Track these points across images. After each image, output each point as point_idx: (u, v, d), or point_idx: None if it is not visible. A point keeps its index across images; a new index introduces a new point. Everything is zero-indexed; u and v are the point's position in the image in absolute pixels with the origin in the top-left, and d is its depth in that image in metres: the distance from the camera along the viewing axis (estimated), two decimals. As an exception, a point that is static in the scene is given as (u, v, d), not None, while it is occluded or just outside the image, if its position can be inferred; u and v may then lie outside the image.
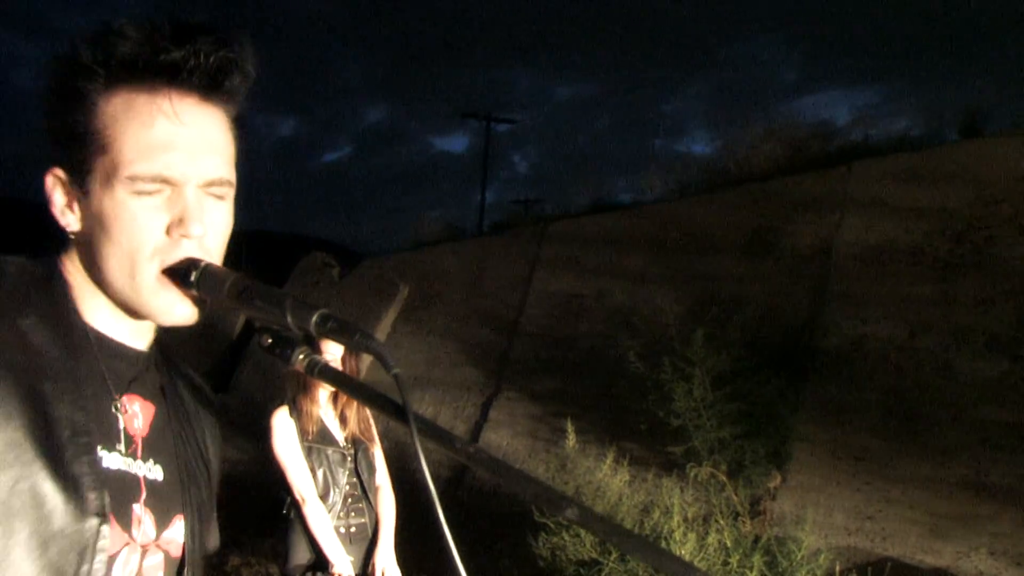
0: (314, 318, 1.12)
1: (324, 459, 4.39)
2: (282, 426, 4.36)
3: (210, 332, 11.73)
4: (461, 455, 1.13)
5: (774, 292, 7.26)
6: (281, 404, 4.41)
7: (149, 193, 1.15)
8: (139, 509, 1.21)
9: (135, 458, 1.22)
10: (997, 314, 6.00)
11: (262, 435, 4.45)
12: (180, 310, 1.20)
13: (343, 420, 4.49)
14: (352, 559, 4.34)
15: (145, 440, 1.25)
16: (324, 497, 4.34)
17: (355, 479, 4.47)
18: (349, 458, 4.47)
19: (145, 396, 1.28)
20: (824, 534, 6.10)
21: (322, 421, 4.43)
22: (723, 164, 9.06)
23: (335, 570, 4.21)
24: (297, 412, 4.37)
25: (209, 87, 1.19)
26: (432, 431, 1.14)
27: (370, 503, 4.50)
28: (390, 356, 1.13)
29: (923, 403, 6.15)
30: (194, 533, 1.30)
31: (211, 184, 1.20)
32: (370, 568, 4.41)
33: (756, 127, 9.21)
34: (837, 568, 5.75)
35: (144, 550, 1.22)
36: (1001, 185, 6.35)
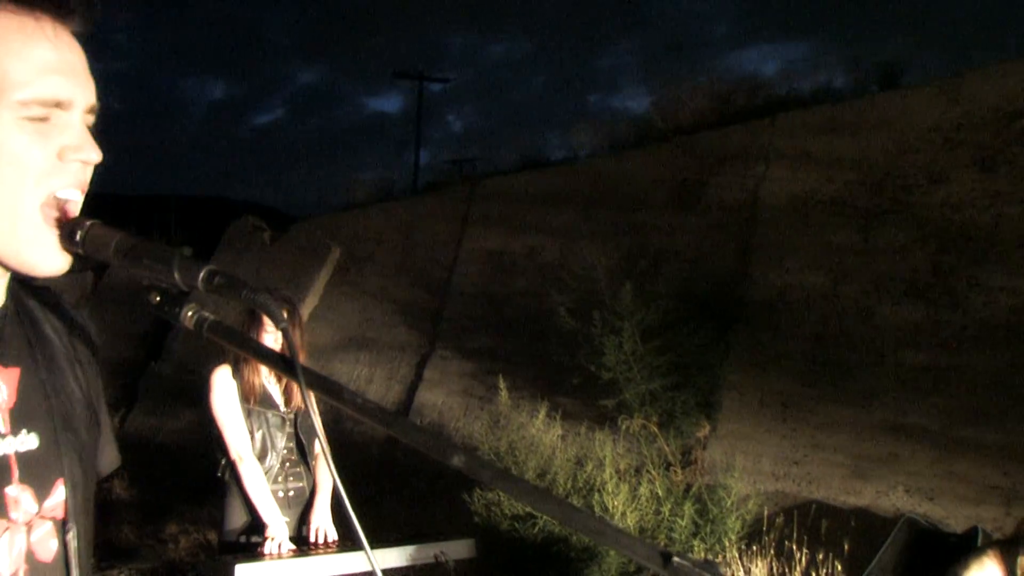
0: (201, 274, 1.12)
1: (263, 422, 4.37)
2: (222, 384, 4.33)
3: (141, 298, 11.53)
4: (349, 407, 1.14)
5: (701, 244, 7.36)
6: (223, 362, 4.37)
7: (41, 119, 1.12)
8: (14, 490, 1.16)
9: (3, 436, 1.17)
10: (914, 261, 6.14)
11: (201, 393, 4.42)
12: (54, 260, 1.16)
13: (284, 385, 4.47)
14: (288, 521, 4.35)
15: (13, 411, 1.19)
16: (261, 459, 4.32)
17: (294, 444, 4.46)
18: (288, 423, 4.46)
19: (6, 362, 1.21)
20: (753, 480, 6.24)
21: (263, 385, 4.40)
22: (652, 119, 9.10)
23: (269, 533, 4.21)
24: (239, 375, 4.34)
25: (85, 14, 1.17)
26: (321, 384, 1.14)
27: (308, 468, 4.50)
28: (278, 311, 1.13)
29: (846, 349, 6.29)
30: (75, 487, 1.25)
31: (92, 110, 1.18)
32: (306, 529, 4.42)
33: (685, 82, 9.26)
34: (765, 512, 5.90)
35: (29, 526, 1.18)
36: (917, 136, 6.48)
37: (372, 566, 1.21)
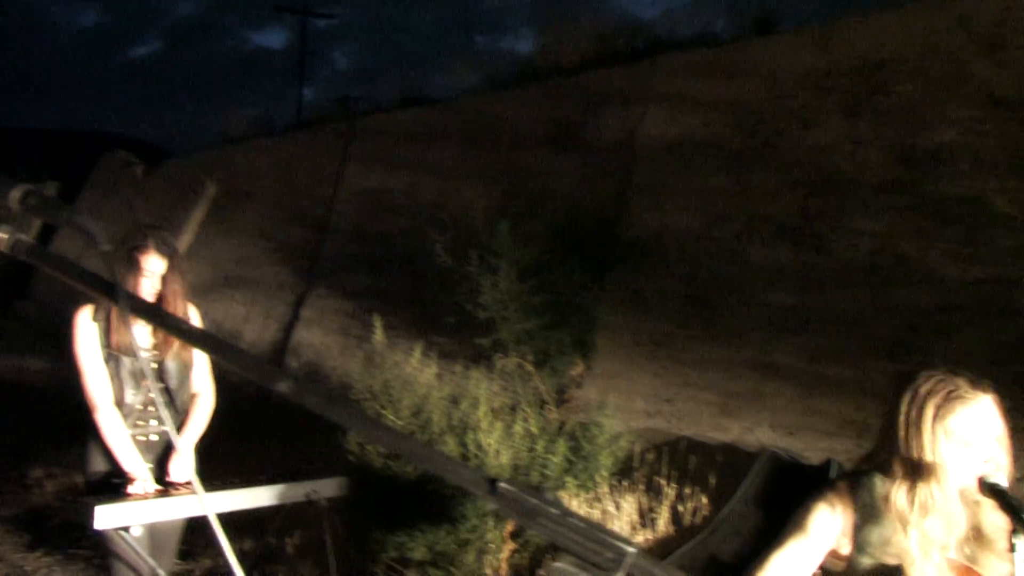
0: (16, 195, 1.06)
1: (124, 366, 4.24)
2: (82, 327, 4.17)
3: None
4: (172, 331, 1.10)
5: (579, 185, 7.39)
6: (85, 304, 4.21)
7: None
8: None
9: None
10: (784, 204, 6.29)
11: (64, 335, 4.26)
12: None
13: (154, 328, 4.34)
14: (150, 466, 4.25)
15: None
16: (120, 405, 4.20)
17: (160, 386, 4.34)
18: (155, 366, 4.33)
19: None
20: (625, 418, 6.36)
21: (126, 328, 4.25)
22: (533, 59, 9.07)
23: (131, 476, 4.11)
24: (102, 316, 4.19)
25: None
26: (144, 309, 1.10)
27: (177, 412, 4.40)
28: (99, 233, 1.08)
29: (717, 290, 6.43)
30: None
31: None
32: (167, 472, 4.32)
33: (568, 23, 9.23)
34: (637, 449, 6.03)
35: None
36: (790, 80, 6.60)
37: (204, 510, 1.16)
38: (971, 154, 5.65)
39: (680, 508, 5.47)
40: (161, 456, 4.34)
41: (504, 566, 5.79)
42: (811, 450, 5.49)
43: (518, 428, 5.97)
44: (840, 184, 6.12)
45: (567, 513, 1.04)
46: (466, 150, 8.32)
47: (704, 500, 5.49)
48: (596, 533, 1.03)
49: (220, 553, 6.99)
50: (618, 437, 6.10)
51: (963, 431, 2.84)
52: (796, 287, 6.10)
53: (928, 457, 2.88)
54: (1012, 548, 2.43)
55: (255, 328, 8.99)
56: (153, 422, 4.31)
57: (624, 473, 5.87)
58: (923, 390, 2.91)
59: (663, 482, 5.61)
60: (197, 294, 9.19)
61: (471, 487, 1.06)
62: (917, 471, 2.90)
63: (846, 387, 5.47)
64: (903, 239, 5.82)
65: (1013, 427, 5.15)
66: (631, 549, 1.03)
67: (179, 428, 4.41)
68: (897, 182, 5.91)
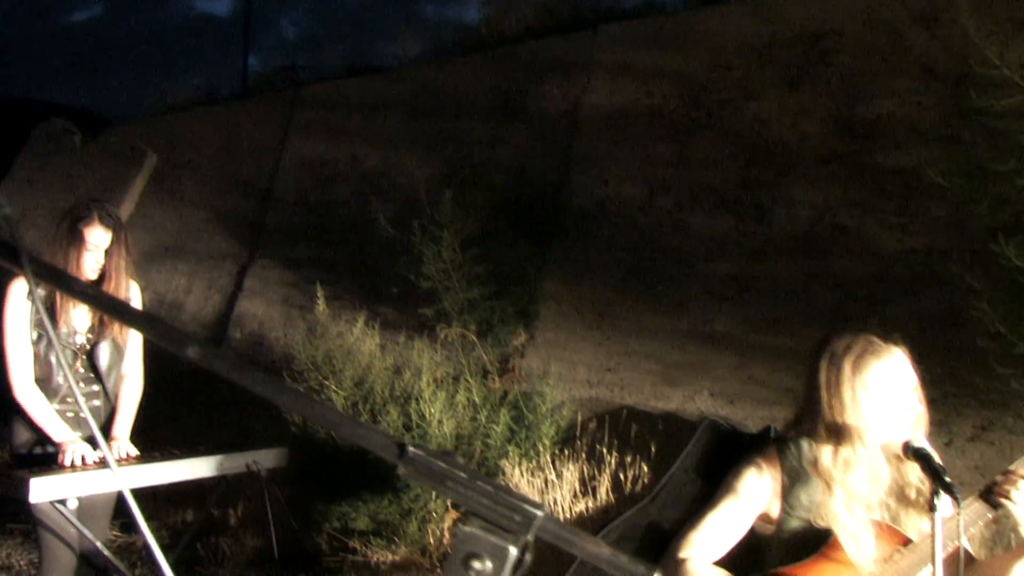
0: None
1: (54, 342, 4.16)
2: (12, 300, 4.08)
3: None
4: (78, 296, 1.08)
5: (523, 155, 7.38)
6: (18, 276, 4.11)
7: None
8: None
9: None
10: (724, 174, 6.34)
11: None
12: None
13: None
14: (82, 437, 4.18)
15: None
16: (47, 380, 4.11)
17: (89, 364, 4.26)
18: (87, 344, 4.25)
19: None
20: (568, 387, 6.40)
21: (59, 302, 4.17)
22: (478, 27, 9.01)
23: (62, 445, 4.05)
24: (34, 289, 4.09)
25: None
26: (49, 274, 1.08)
27: (107, 393, 4.33)
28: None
29: (659, 259, 6.47)
30: None
31: None
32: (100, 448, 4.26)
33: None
34: (579, 418, 6.08)
35: None
36: (733, 51, 6.63)
37: (135, 482, 1.15)
38: (908, 126, 5.73)
39: (621, 476, 5.53)
40: (88, 432, 4.27)
41: (447, 535, 5.83)
42: (751, 418, 5.57)
43: (461, 398, 5.99)
44: (781, 155, 6.18)
45: (475, 477, 1.04)
46: (410, 119, 8.26)
47: (645, 468, 5.55)
48: (505, 497, 1.04)
49: (165, 525, 6.96)
50: (560, 406, 6.14)
51: (879, 384, 2.94)
52: (737, 257, 6.16)
53: (849, 416, 2.96)
54: (932, 508, 2.50)
55: (198, 299, 8.89)
56: (84, 397, 4.25)
57: (566, 442, 5.92)
58: (839, 350, 3.00)
59: (604, 451, 5.66)
60: (138, 265, 9.09)
61: (380, 452, 1.06)
62: (839, 431, 2.98)
63: (785, 356, 5.55)
64: (841, 209, 5.90)
65: (944, 393, 5.27)
66: (539, 512, 1.04)
67: (111, 413, 4.36)
68: (836, 153, 5.97)
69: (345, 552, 5.75)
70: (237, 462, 4.71)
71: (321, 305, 6.45)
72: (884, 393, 2.92)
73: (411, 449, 1.05)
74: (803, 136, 6.14)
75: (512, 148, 7.45)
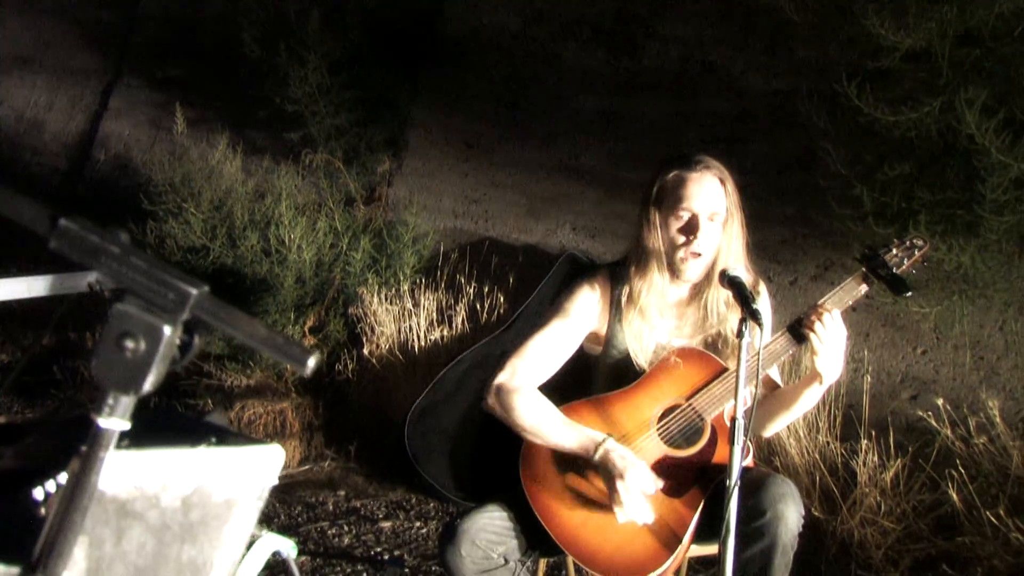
0: None
1: None
2: None
3: None
4: None
5: (397, -23, 7.10)
6: None
7: None
8: None
9: None
10: (601, 7, 6.20)
11: None
12: None
13: None
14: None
15: None
16: None
17: None
18: None
19: None
20: (433, 217, 6.37)
21: None
22: None
23: None
24: None
25: None
26: None
27: None
28: None
29: (531, 92, 6.37)
30: None
31: None
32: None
33: None
34: (442, 249, 6.07)
35: None
36: None
37: None
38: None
39: (478, 306, 5.58)
40: None
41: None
42: (610, 253, 5.63)
43: (322, 225, 5.92)
44: (656, -12, 6.07)
45: (132, 252, 0.99)
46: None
47: (502, 299, 5.60)
48: (159, 274, 1.00)
49: (21, 348, 6.83)
50: (424, 236, 6.12)
51: (683, 205, 2.97)
52: (607, 91, 6.10)
53: (658, 242, 3.00)
54: (740, 334, 2.56)
55: (60, 117, 8.49)
56: None
57: (427, 272, 5.92)
58: (657, 180, 3.02)
59: (464, 281, 5.68)
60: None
61: (31, 224, 1.00)
62: (653, 257, 3.03)
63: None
64: (712, 47, 5.86)
65: (794, 234, 5.40)
66: (193, 291, 1.01)
67: None
68: (710, -12, 5.89)
69: (200, 376, 5.73)
70: (79, 281, 4.58)
71: (180, 125, 6.22)
72: (687, 211, 2.96)
73: (63, 221, 1.00)
74: (679, -31, 6.02)
75: (386, -31, 7.16)
